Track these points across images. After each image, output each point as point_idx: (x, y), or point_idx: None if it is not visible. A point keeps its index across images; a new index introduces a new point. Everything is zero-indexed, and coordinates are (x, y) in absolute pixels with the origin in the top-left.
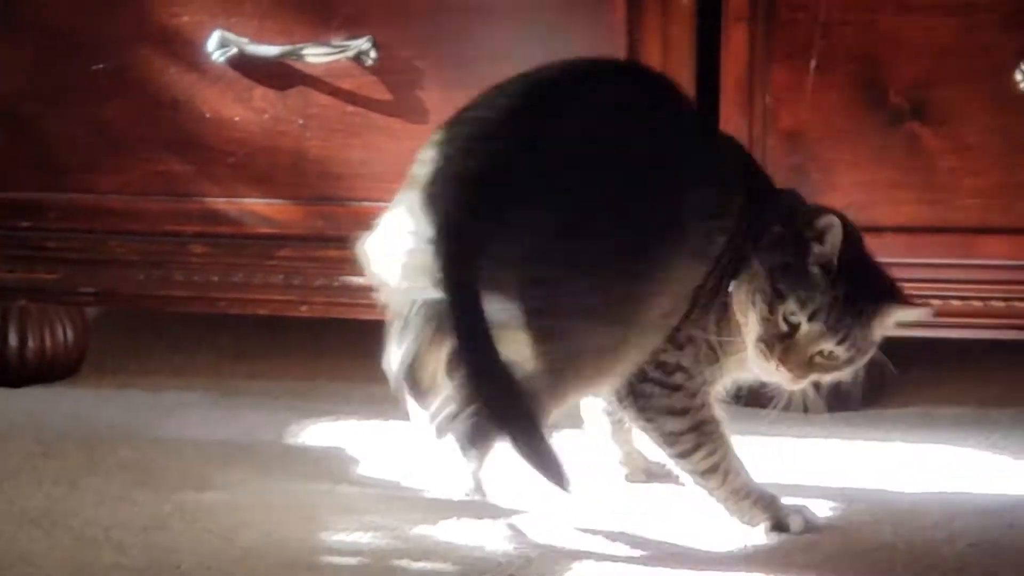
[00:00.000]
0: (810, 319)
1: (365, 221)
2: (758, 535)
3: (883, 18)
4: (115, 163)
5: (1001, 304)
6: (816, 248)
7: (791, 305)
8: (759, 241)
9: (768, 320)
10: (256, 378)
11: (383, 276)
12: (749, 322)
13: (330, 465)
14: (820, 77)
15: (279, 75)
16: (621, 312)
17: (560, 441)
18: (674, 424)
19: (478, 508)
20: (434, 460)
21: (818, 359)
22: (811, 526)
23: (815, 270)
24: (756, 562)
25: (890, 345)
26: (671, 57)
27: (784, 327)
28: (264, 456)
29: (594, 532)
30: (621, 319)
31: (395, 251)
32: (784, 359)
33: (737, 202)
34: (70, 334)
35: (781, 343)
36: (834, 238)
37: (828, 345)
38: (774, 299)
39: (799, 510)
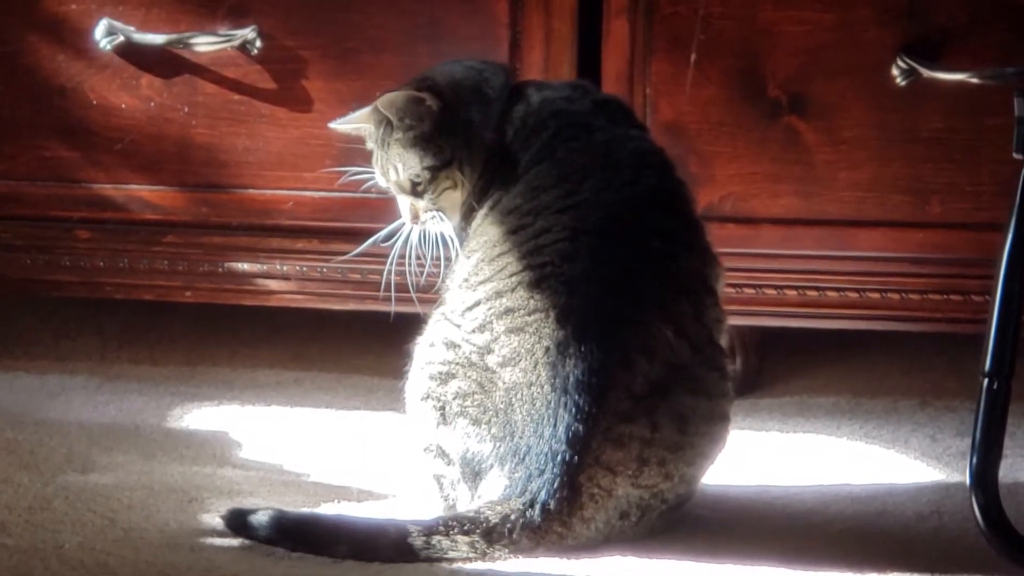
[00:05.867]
0: None
1: (249, 208)
2: None
3: (762, 13)
4: (2, 148)
5: (876, 295)
6: None
7: None
8: None
9: None
10: (140, 363)
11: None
12: None
13: (213, 449)
14: (700, 70)
15: (165, 63)
16: None
17: None
18: None
19: (358, 493)
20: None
21: None
22: None
23: None
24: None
25: (767, 335)
26: (553, 49)
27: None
28: (147, 439)
29: None
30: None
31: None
32: None
33: None
34: None
35: None
36: None
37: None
38: None
39: None
